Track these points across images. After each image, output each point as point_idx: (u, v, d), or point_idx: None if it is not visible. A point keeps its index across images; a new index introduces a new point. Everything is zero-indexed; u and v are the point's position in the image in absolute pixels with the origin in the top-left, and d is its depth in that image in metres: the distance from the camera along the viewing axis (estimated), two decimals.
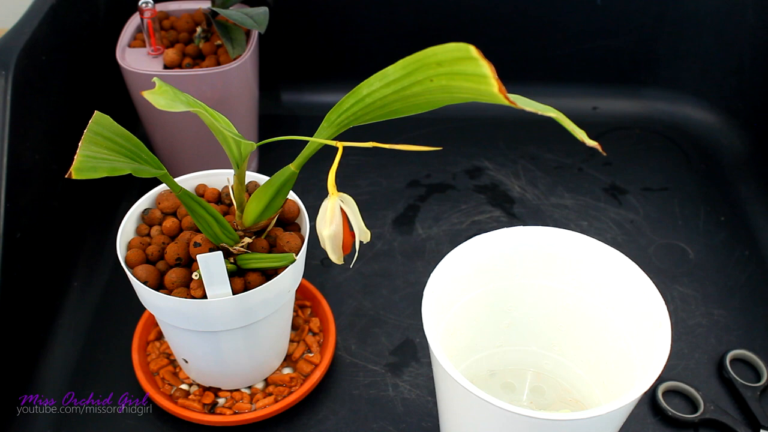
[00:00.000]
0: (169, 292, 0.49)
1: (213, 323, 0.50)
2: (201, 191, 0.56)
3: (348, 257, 0.59)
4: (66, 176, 0.38)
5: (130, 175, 0.42)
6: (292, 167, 0.47)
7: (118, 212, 0.73)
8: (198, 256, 0.46)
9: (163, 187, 0.55)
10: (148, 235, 0.53)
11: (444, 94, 0.37)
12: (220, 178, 0.57)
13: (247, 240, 0.50)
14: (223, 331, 0.51)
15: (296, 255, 0.50)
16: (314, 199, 0.52)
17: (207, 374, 0.57)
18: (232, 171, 0.50)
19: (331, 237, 0.42)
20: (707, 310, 0.66)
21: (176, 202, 0.54)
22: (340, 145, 0.42)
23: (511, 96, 0.34)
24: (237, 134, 0.44)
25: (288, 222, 0.54)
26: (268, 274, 0.50)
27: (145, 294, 0.50)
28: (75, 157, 0.39)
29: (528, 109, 0.36)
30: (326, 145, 0.44)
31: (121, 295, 0.65)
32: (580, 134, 0.36)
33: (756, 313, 0.66)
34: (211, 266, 0.47)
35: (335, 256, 0.43)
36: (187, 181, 0.56)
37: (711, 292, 0.68)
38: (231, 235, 0.50)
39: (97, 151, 0.41)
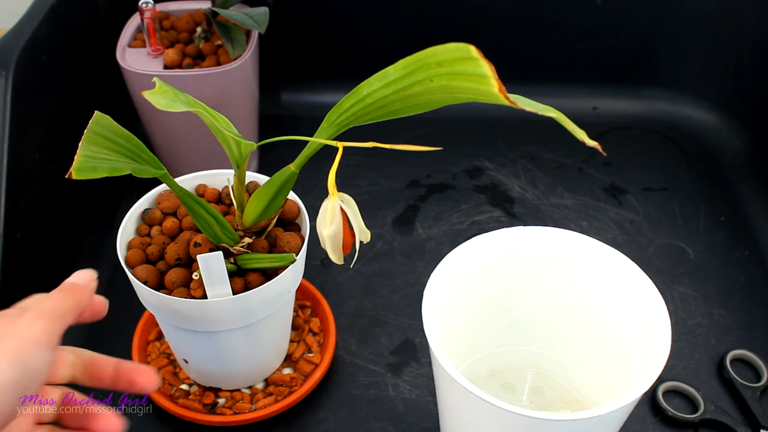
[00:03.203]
0: (169, 292, 0.49)
1: (213, 323, 0.50)
2: (201, 191, 0.56)
3: (348, 257, 0.59)
4: (66, 176, 0.38)
5: (130, 175, 0.42)
6: (293, 167, 0.47)
7: (118, 212, 0.73)
8: (198, 256, 0.46)
9: (163, 187, 0.55)
10: (149, 235, 0.53)
11: (444, 94, 0.37)
12: (220, 178, 0.57)
13: (247, 240, 0.50)
14: (223, 331, 0.51)
15: (296, 255, 0.50)
16: (314, 199, 0.52)
17: (207, 374, 0.57)
18: (232, 171, 0.50)
19: (331, 237, 0.42)
20: (707, 310, 0.66)
21: (176, 202, 0.54)
22: (340, 145, 0.42)
23: (511, 96, 0.34)
24: (237, 134, 0.44)
25: (288, 222, 0.54)
26: (268, 274, 0.50)
27: (145, 294, 0.50)
28: (75, 157, 0.39)
29: (528, 109, 0.36)
30: (326, 145, 0.44)
31: (121, 295, 0.65)
32: (580, 134, 0.36)
33: (756, 313, 0.66)
34: (211, 266, 0.47)
35: (335, 256, 0.43)
36: (187, 181, 0.56)
37: (711, 292, 0.68)
38: (231, 235, 0.50)
39: (97, 151, 0.41)
